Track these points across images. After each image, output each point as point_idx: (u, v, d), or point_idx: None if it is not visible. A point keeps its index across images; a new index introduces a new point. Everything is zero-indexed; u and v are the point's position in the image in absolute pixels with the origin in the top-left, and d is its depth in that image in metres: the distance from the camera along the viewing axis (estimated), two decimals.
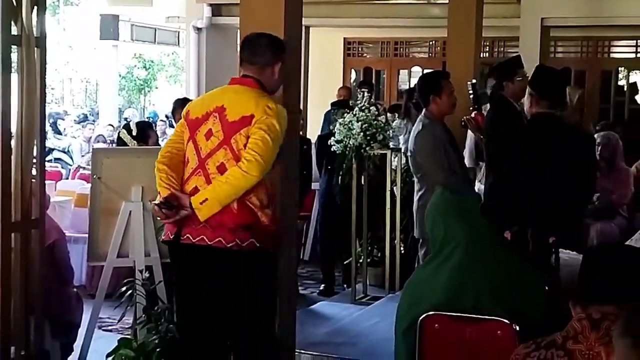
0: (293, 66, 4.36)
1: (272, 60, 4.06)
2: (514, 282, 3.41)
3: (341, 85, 12.31)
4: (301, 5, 4.38)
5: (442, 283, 3.44)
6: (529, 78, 5.47)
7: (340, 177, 7.50)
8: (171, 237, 3.95)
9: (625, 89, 12.73)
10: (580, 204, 4.98)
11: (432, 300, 3.40)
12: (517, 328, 3.16)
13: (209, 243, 3.82)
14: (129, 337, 4.84)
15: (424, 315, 3.34)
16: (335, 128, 7.30)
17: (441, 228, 3.53)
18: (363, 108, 7.21)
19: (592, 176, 5.13)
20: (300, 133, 7.48)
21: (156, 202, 3.94)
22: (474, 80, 6.35)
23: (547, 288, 3.61)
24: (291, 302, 4.37)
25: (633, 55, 12.50)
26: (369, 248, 7.81)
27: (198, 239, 3.85)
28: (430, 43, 13.45)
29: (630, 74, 12.68)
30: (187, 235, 3.88)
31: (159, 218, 4.14)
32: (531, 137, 5.03)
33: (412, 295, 3.54)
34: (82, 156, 13.52)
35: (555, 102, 5.05)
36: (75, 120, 20.11)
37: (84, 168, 10.91)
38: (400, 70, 13.78)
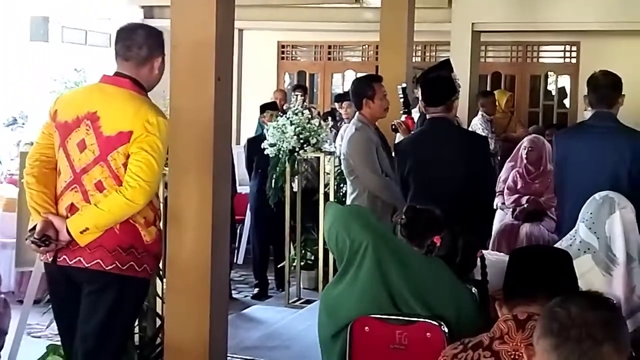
0: (226, 69, 4.31)
1: (151, 54, 3.77)
2: (430, 282, 3.41)
3: (275, 88, 12.32)
4: (233, 7, 4.35)
5: (359, 291, 3.42)
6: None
7: (273, 181, 7.50)
8: (49, 260, 3.69)
9: (553, 93, 12.97)
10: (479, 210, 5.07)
11: (351, 310, 3.39)
12: (446, 330, 3.19)
13: (86, 266, 3.60)
14: (57, 343, 4.75)
15: (354, 319, 3.35)
16: (269, 131, 7.31)
17: (346, 238, 3.48)
18: (296, 111, 7.23)
19: (491, 177, 5.25)
20: None
21: (31, 237, 3.60)
22: (404, 85, 6.41)
23: (474, 290, 3.65)
24: (222, 307, 4.35)
25: (561, 61, 12.74)
26: (303, 251, 7.82)
27: (74, 261, 3.62)
28: (364, 47, 13.52)
29: (559, 78, 12.92)
30: (64, 257, 3.64)
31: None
32: (424, 139, 5.22)
33: (330, 307, 3.51)
34: (12, 160, 13.24)
35: (431, 105, 5.18)
36: (4, 124, 19.67)
37: (12, 174, 10.69)
38: (334, 74, 13.81)
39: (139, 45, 3.74)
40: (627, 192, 4.40)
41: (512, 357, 2.36)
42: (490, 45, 12.55)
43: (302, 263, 7.71)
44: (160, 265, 4.34)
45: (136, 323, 4.32)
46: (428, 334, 3.21)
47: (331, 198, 7.33)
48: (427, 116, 5.31)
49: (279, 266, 8.14)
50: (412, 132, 6.00)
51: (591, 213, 4.12)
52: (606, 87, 4.91)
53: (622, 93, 4.94)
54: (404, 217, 3.99)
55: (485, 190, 5.28)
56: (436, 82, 5.38)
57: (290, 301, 7.35)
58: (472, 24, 10.77)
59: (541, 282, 2.55)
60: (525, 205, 7.07)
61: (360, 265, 3.43)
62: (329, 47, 13.68)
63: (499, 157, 9.60)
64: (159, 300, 4.69)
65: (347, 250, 3.47)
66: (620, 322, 1.90)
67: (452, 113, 5.31)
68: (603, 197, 4.14)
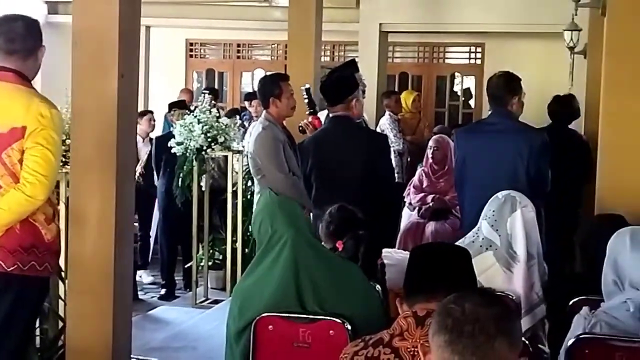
0: (130, 66, 4.22)
1: (34, 45, 3.68)
2: (340, 282, 3.43)
3: (183, 87, 12.19)
4: (139, 3, 4.28)
5: (271, 284, 3.43)
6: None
7: (180, 180, 7.44)
8: None
9: (459, 93, 13.20)
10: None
11: (262, 302, 3.38)
12: (349, 327, 3.20)
13: None
14: None
15: (257, 317, 3.33)
16: (176, 129, 7.24)
17: (269, 227, 3.50)
18: (204, 110, 7.17)
19: (387, 172, 5.34)
20: None
21: None
22: (307, 85, 6.42)
23: (378, 288, 3.69)
24: (126, 307, 4.28)
25: (467, 62, 12.98)
26: (211, 251, 7.77)
27: None
28: (273, 46, 13.50)
29: (464, 79, 13.16)
30: None
31: None
32: (326, 138, 5.28)
33: (242, 299, 3.51)
34: None
35: (331, 103, 5.26)
36: None
37: None
38: (243, 73, 13.76)
39: (23, 37, 3.66)
40: (524, 188, 4.54)
41: (412, 353, 2.38)
42: (397, 46, 12.70)
43: (210, 263, 7.65)
44: (62, 266, 4.26)
45: (37, 325, 4.23)
46: (331, 331, 3.22)
47: (239, 197, 7.29)
48: (330, 115, 5.37)
49: (186, 266, 8.08)
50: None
51: (494, 211, 4.21)
52: (500, 87, 5.08)
53: (522, 93, 5.10)
54: (329, 216, 4.08)
55: (389, 190, 5.35)
56: (335, 81, 5.45)
57: (197, 301, 7.29)
58: (380, 24, 10.89)
59: (440, 279, 2.58)
60: (431, 204, 7.17)
61: (276, 259, 3.42)
62: (238, 45, 13.62)
63: (408, 158, 9.72)
64: (60, 302, 4.59)
65: (267, 240, 3.47)
66: (513, 318, 1.93)
67: (356, 112, 5.36)
68: (505, 195, 4.23)
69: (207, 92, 9.37)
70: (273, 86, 5.90)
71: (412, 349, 2.38)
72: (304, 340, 3.26)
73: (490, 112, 5.20)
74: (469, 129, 5.79)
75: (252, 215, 5.90)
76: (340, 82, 5.39)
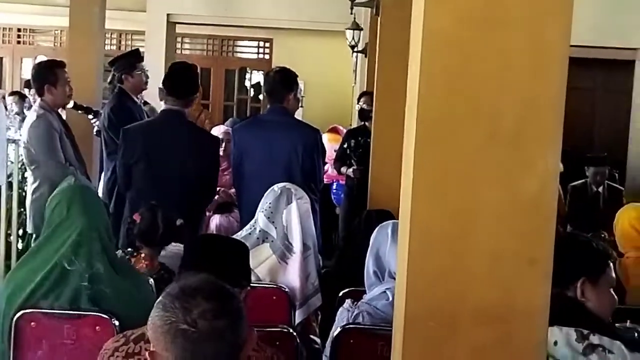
0: None
1: None
2: (121, 282, 3.35)
3: None
4: None
5: (44, 274, 3.27)
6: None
7: None
8: None
9: (248, 87, 13.29)
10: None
11: (29, 293, 3.22)
12: (117, 323, 3.11)
13: None
14: None
15: (19, 314, 3.17)
16: None
17: (63, 212, 3.35)
18: None
19: (214, 175, 5.30)
20: None
21: None
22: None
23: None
24: None
25: (256, 56, 13.07)
26: None
27: None
28: (56, 32, 13.00)
29: (253, 73, 13.25)
30: None
31: None
32: (158, 130, 5.13)
33: (11, 288, 3.32)
34: None
35: (179, 98, 5.14)
36: None
37: None
38: (24, 59, 13.16)
39: None
40: (300, 182, 4.62)
41: None
42: (186, 37, 12.59)
43: None
44: None
45: None
46: (97, 327, 3.12)
47: (15, 189, 6.95)
48: (164, 107, 5.25)
49: None
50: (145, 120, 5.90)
51: (270, 203, 4.24)
52: (277, 83, 5.15)
53: (298, 89, 5.20)
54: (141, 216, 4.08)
55: (209, 190, 5.33)
56: (181, 73, 5.34)
57: None
58: (168, 15, 10.75)
59: (212, 272, 2.56)
60: (216, 197, 7.15)
61: (58, 249, 3.26)
62: (19, 30, 13.01)
63: None
64: None
65: (57, 224, 3.30)
66: (236, 312, 1.90)
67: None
68: (281, 188, 4.28)
69: None
70: (48, 73, 5.69)
71: None
72: (69, 336, 3.14)
73: (268, 108, 5.26)
74: (246, 124, 5.80)
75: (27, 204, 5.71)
76: (190, 76, 5.35)
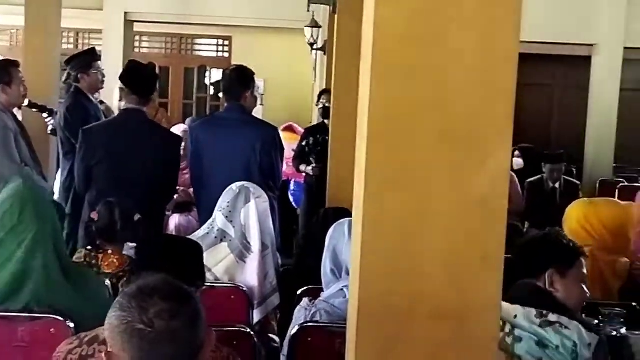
0: None
1: None
2: (75, 284, 3.31)
3: None
4: None
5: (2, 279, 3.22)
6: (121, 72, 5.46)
7: None
8: None
9: (208, 86, 13.23)
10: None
11: None
12: (72, 325, 3.07)
13: None
14: None
15: None
16: None
17: (15, 215, 3.29)
18: None
19: (175, 174, 5.26)
20: None
21: None
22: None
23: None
24: None
25: (215, 54, 13.02)
26: None
27: None
28: (12, 31, 12.84)
29: (212, 71, 13.19)
30: None
31: None
32: (119, 130, 5.05)
33: None
34: None
35: (143, 97, 5.10)
36: None
37: None
38: None
39: None
40: (258, 180, 4.61)
41: None
42: (144, 36, 12.50)
43: None
44: None
45: None
46: (52, 329, 3.08)
47: None
48: (122, 106, 5.20)
49: None
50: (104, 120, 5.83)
51: (228, 202, 4.22)
52: (234, 81, 5.14)
53: (255, 86, 5.19)
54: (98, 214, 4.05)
55: (169, 189, 5.29)
56: (142, 71, 5.30)
57: None
58: (125, 13, 10.66)
59: (167, 271, 2.54)
60: (175, 197, 7.10)
61: (10, 257, 3.19)
62: None
63: None
64: None
65: (9, 229, 3.23)
66: (194, 313, 1.87)
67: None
68: (240, 187, 4.26)
69: None
70: (2, 73, 5.62)
71: None
72: (23, 339, 3.10)
73: (225, 106, 5.25)
74: (203, 123, 5.77)
75: None
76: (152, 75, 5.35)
